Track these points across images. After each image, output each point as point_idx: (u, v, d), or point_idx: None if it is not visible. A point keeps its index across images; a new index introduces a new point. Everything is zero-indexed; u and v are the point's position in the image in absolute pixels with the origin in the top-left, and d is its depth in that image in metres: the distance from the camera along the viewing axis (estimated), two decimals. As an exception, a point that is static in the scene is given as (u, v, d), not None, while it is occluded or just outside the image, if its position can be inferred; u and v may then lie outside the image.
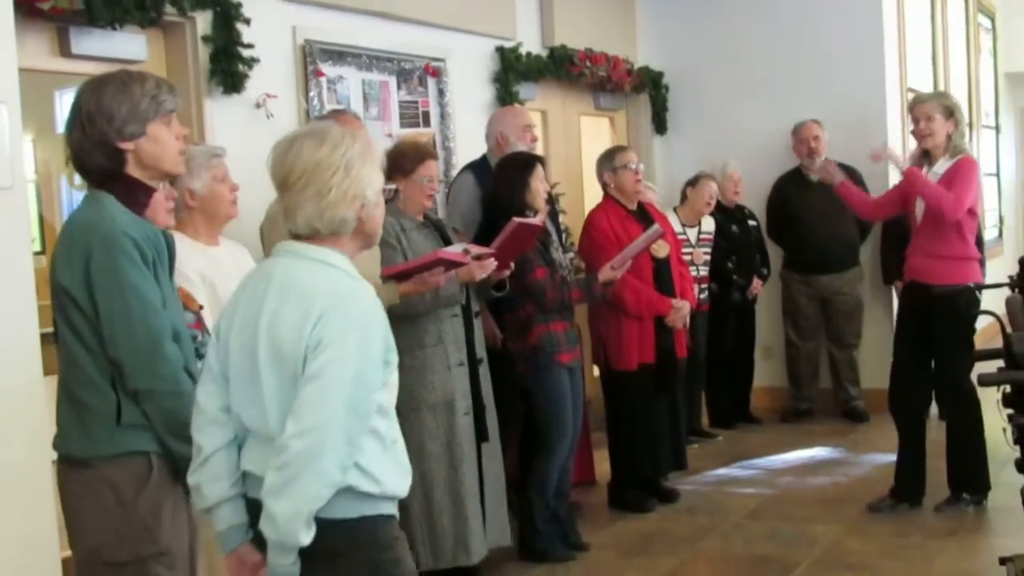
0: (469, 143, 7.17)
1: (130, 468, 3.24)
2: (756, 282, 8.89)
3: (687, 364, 7.47)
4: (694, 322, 7.81)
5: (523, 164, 5.95)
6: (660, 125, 9.91)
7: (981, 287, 5.98)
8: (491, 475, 5.61)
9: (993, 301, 5.26)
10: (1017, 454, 4.40)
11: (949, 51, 11.75)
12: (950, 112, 6.40)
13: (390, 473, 2.91)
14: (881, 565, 5.70)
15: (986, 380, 4.13)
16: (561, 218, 7.22)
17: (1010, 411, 4.10)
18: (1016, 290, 4.70)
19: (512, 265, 5.59)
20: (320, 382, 2.72)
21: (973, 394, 6.15)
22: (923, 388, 6.62)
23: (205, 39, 5.65)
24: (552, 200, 6.56)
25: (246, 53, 5.75)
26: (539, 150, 7.00)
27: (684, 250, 8.07)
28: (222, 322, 2.97)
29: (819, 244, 8.93)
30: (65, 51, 5.12)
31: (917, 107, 6.51)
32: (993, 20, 14.05)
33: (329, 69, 6.42)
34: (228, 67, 5.69)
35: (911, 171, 6.46)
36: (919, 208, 6.42)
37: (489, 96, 7.82)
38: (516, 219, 5.42)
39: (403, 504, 3.08)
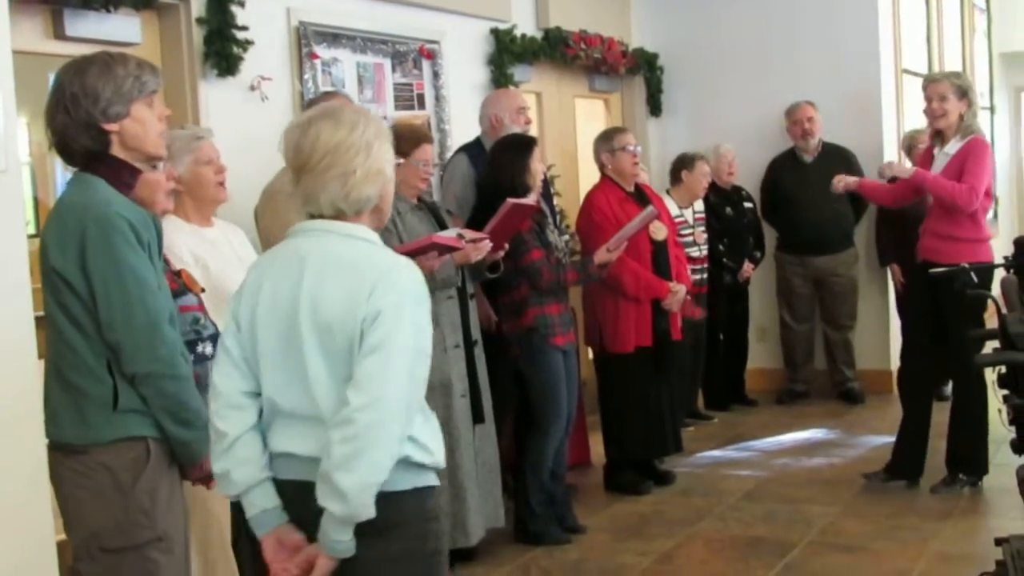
0: (464, 125, 7.16)
1: (127, 453, 3.22)
2: (747, 265, 8.88)
3: (684, 346, 7.48)
4: (696, 303, 7.83)
5: (522, 145, 5.94)
6: (655, 107, 9.89)
7: (975, 268, 5.98)
8: (485, 457, 5.62)
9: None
10: (1012, 435, 4.40)
11: (944, 31, 11.74)
12: (963, 92, 6.39)
13: (435, 443, 2.95)
14: (877, 546, 5.71)
15: (981, 361, 4.13)
16: (556, 200, 7.21)
17: (1005, 392, 4.09)
18: (1011, 271, 4.70)
19: (506, 246, 5.58)
20: (382, 353, 2.74)
21: (982, 376, 6.14)
22: (932, 368, 6.63)
23: (199, 21, 5.64)
24: (547, 182, 6.56)
25: (240, 35, 5.73)
26: (534, 132, 6.99)
27: (684, 231, 8.09)
28: (241, 307, 2.94)
29: (813, 225, 8.92)
30: (59, 33, 5.10)
31: (930, 87, 6.49)
32: (988, 0, 14.03)
33: (323, 51, 6.41)
34: (222, 49, 5.67)
35: (920, 173, 6.46)
36: None
37: (484, 78, 7.81)
38: (510, 200, 5.42)
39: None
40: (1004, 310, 4.28)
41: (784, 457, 7.57)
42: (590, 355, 7.24)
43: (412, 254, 5.02)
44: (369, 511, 2.74)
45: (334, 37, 6.49)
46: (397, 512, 2.84)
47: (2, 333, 3.81)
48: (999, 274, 4.87)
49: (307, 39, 6.27)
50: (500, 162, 5.94)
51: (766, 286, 9.34)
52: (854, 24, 9.27)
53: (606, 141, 6.89)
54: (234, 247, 4.38)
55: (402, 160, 4.88)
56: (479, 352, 5.63)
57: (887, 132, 9.30)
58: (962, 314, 6.07)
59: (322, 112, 2.95)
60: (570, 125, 9.16)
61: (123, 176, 3.32)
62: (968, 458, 6.46)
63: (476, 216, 5.85)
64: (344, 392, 2.76)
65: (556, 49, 8.51)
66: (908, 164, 8.67)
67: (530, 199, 5.70)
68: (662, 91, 9.91)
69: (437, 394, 5.33)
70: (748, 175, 9.20)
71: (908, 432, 6.62)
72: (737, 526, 6.17)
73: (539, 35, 8.40)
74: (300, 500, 2.84)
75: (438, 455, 2.95)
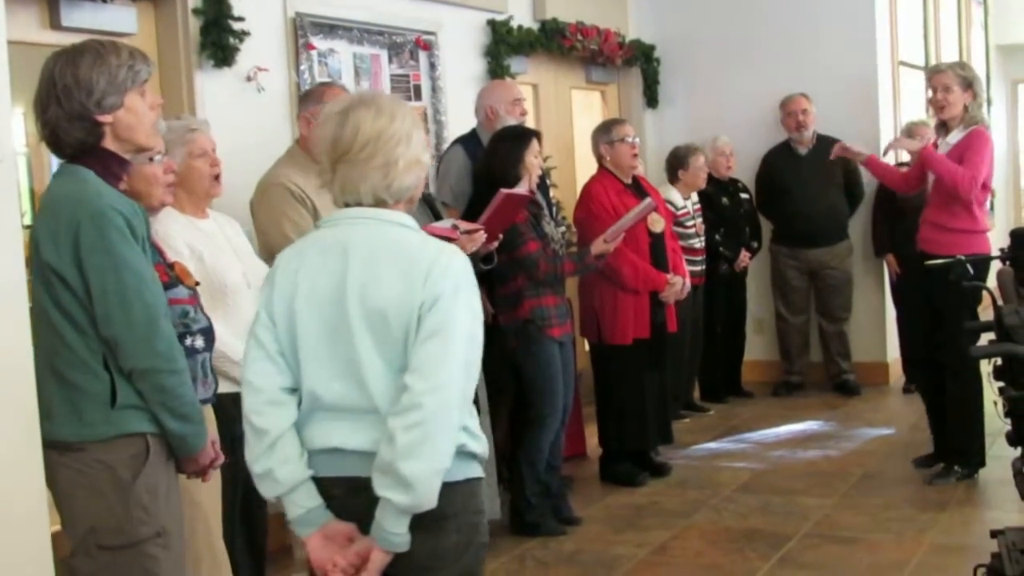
0: (460, 117, 7.15)
1: (127, 450, 3.19)
2: (743, 255, 8.88)
3: (681, 338, 7.49)
4: (694, 295, 7.84)
5: (518, 137, 5.93)
6: (652, 98, 9.87)
7: (971, 260, 5.99)
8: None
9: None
10: (1008, 427, 4.40)
11: (941, 23, 11.73)
12: (968, 83, 6.39)
13: (483, 434, 2.92)
14: (873, 537, 5.71)
15: (977, 353, 4.13)
16: (553, 192, 7.21)
17: (1001, 384, 4.10)
18: (1007, 263, 4.70)
19: (500, 237, 5.58)
20: (441, 337, 2.71)
21: (976, 367, 6.13)
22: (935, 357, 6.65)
23: (196, 12, 5.63)
24: (544, 174, 6.55)
25: (237, 26, 5.73)
26: (530, 124, 6.99)
27: (687, 222, 8.10)
28: (275, 299, 2.87)
29: (807, 217, 8.92)
30: (55, 23, 5.09)
31: (935, 77, 6.48)
32: (985, -8, 14.04)
33: (320, 42, 6.40)
34: (219, 40, 5.67)
35: (927, 150, 6.44)
36: (930, 180, 6.43)
37: (480, 69, 7.80)
38: (503, 190, 5.42)
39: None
40: (1000, 302, 4.29)
41: (780, 449, 7.57)
42: (586, 347, 7.24)
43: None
44: (433, 500, 2.70)
45: (330, 28, 6.48)
46: (452, 503, 2.80)
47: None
48: (995, 266, 4.88)
49: (303, 30, 6.26)
50: (495, 153, 5.94)
51: (763, 278, 9.34)
52: (851, 16, 9.26)
53: (605, 132, 6.88)
54: (229, 238, 4.36)
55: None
56: (476, 343, 5.61)
57: (884, 124, 9.29)
58: (956, 306, 6.08)
59: (359, 101, 2.90)
60: (567, 117, 9.15)
61: (112, 168, 3.28)
62: (963, 450, 6.47)
63: (472, 207, 5.85)
64: (398, 382, 2.72)
65: (553, 40, 8.50)
66: (905, 155, 8.69)
67: (522, 188, 5.68)
68: (659, 83, 9.89)
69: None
70: (745, 167, 9.20)
71: (937, 418, 6.62)
72: (733, 518, 6.18)
73: (536, 26, 8.38)
74: (345, 497, 2.81)
75: (487, 446, 2.92)
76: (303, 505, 2.84)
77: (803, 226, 8.96)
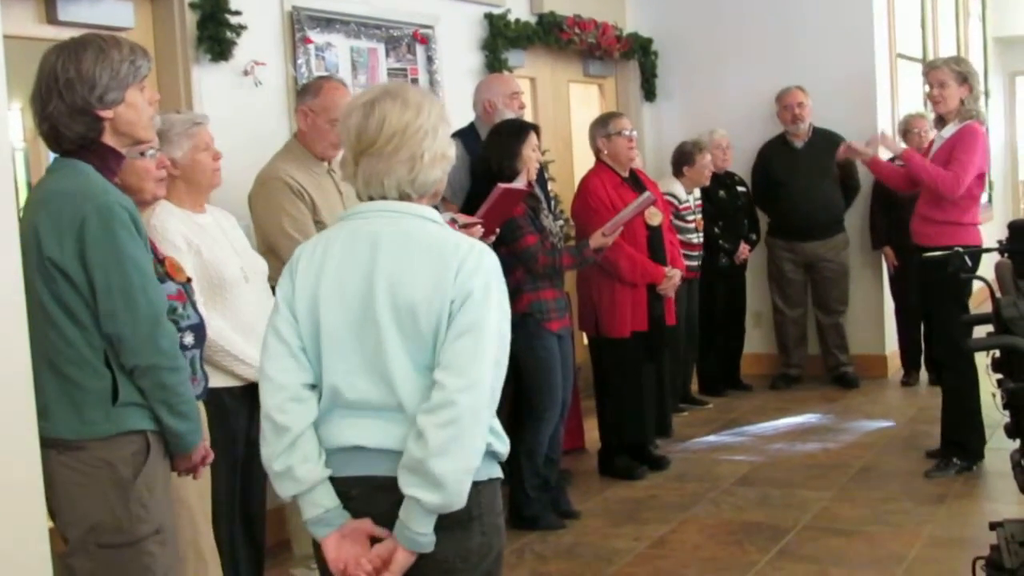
0: (458, 110, 7.11)
1: (128, 448, 3.18)
2: (743, 247, 8.88)
3: (679, 331, 7.49)
4: (690, 289, 7.84)
5: (515, 131, 5.93)
6: (649, 92, 9.87)
7: (968, 252, 5.99)
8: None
9: (984, 266, 5.27)
10: (1007, 419, 4.40)
11: (938, 16, 11.74)
12: (964, 78, 6.41)
13: (504, 434, 2.86)
14: (871, 530, 5.72)
15: (975, 345, 4.13)
16: (551, 185, 7.21)
17: (999, 376, 4.09)
18: (1005, 255, 4.70)
19: (498, 231, 5.58)
20: (474, 335, 2.66)
21: (971, 358, 6.14)
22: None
23: (192, 6, 5.62)
24: (542, 167, 6.55)
25: (234, 20, 5.72)
26: (528, 118, 6.98)
27: (689, 217, 8.11)
28: (296, 293, 2.80)
29: (803, 211, 8.91)
30: (52, 18, 5.08)
31: (930, 73, 6.53)
32: (982, -15, 14.05)
33: (317, 36, 6.39)
34: (215, 34, 5.66)
35: (909, 153, 6.49)
36: None
37: (478, 63, 7.79)
38: (501, 184, 5.42)
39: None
40: (998, 294, 4.28)
41: (779, 442, 7.57)
42: (584, 340, 7.24)
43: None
44: (463, 500, 2.65)
45: (328, 22, 6.47)
46: (478, 504, 2.76)
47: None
48: (991, 258, 4.88)
49: (300, 24, 6.25)
50: (492, 146, 5.94)
51: (761, 272, 9.33)
52: (849, 9, 9.26)
53: (602, 126, 6.88)
54: (226, 232, 4.35)
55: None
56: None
57: (881, 117, 9.28)
58: (946, 298, 6.10)
59: (384, 93, 2.84)
60: (564, 110, 9.14)
61: (109, 163, 3.28)
62: (961, 443, 6.47)
63: (470, 201, 5.85)
64: (421, 379, 2.69)
65: (550, 34, 8.49)
66: (903, 147, 8.69)
67: (519, 183, 5.68)
68: (656, 76, 9.89)
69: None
70: (743, 160, 9.20)
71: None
72: (731, 511, 6.18)
73: (533, 20, 8.38)
74: (364, 497, 2.75)
75: (508, 446, 2.86)
76: (322, 505, 2.76)
77: (798, 219, 8.95)
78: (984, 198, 13.27)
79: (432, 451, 2.60)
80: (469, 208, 5.64)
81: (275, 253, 4.69)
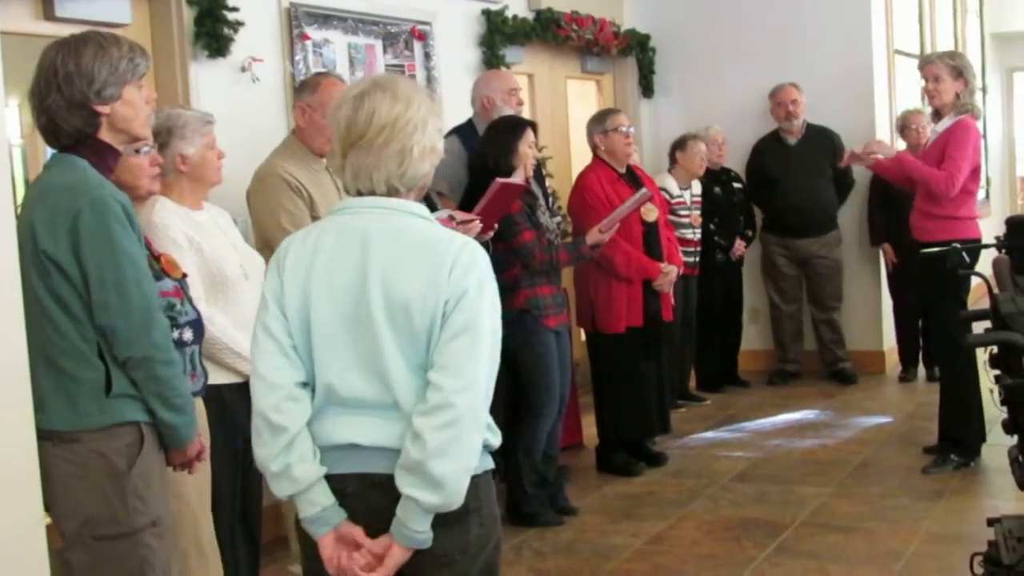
0: (456, 107, 7.12)
1: (121, 439, 3.20)
2: (739, 243, 8.88)
3: (676, 327, 7.49)
4: (688, 285, 7.84)
5: (511, 127, 5.92)
6: (647, 88, 9.87)
7: (966, 248, 6.00)
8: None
9: (982, 262, 5.28)
10: (1004, 415, 4.40)
11: (936, 12, 11.74)
12: (958, 72, 6.43)
13: (496, 427, 2.85)
14: (869, 526, 5.72)
15: (973, 341, 4.13)
16: (548, 182, 7.20)
17: (997, 372, 4.10)
18: (1003, 251, 4.70)
19: (496, 227, 5.57)
20: (469, 335, 2.65)
21: (969, 354, 6.13)
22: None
23: (189, 2, 5.61)
24: (539, 164, 6.55)
25: (231, 16, 5.71)
26: (526, 114, 6.98)
27: (682, 212, 8.11)
28: (286, 289, 2.77)
29: (796, 207, 8.93)
30: (49, 14, 5.08)
31: (925, 68, 6.56)
32: (980, -19, 14.04)
33: (315, 32, 6.39)
34: (213, 30, 5.65)
35: (902, 156, 6.51)
36: None
37: (475, 59, 7.79)
38: (498, 180, 5.42)
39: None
40: (996, 290, 4.28)
41: (776, 438, 7.57)
42: (582, 336, 7.24)
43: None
44: (461, 499, 2.65)
45: (325, 18, 6.47)
46: (476, 497, 2.75)
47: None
48: (989, 254, 4.88)
49: (298, 20, 6.25)
50: (489, 142, 5.93)
51: (757, 268, 9.34)
52: (847, 5, 9.26)
53: (599, 122, 6.88)
54: (223, 229, 4.35)
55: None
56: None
57: (879, 113, 9.29)
58: (942, 294, 6.10)
59: (374, 85, 2.80)
60: (562, 106, 9.14)
61: (106, 159, 3.30)
62: (959, 439, 6.48)
63: (468, 197, 5.84)
64: (415, 377, 2.67)
65: (548, 30, 8.49)
66: (902, 144, 8.71)
67: (517, 178, 5.68)
68: (654, 72, 9.88)
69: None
70: (741, 156, 9.21)
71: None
72: (729, 507, 6.18)
73: (531, 16, 8.38)
74: (360, 494, 2.74)
75: (500, 438, 2.86)
76: (319, 503, 2.74)
77: (792, 215, 8.97)
78: (981, 194, 13.34)
79: (431, 453, 2.59)
80: (467, 204, 5.64)
81: (272, 249, 4.66)
